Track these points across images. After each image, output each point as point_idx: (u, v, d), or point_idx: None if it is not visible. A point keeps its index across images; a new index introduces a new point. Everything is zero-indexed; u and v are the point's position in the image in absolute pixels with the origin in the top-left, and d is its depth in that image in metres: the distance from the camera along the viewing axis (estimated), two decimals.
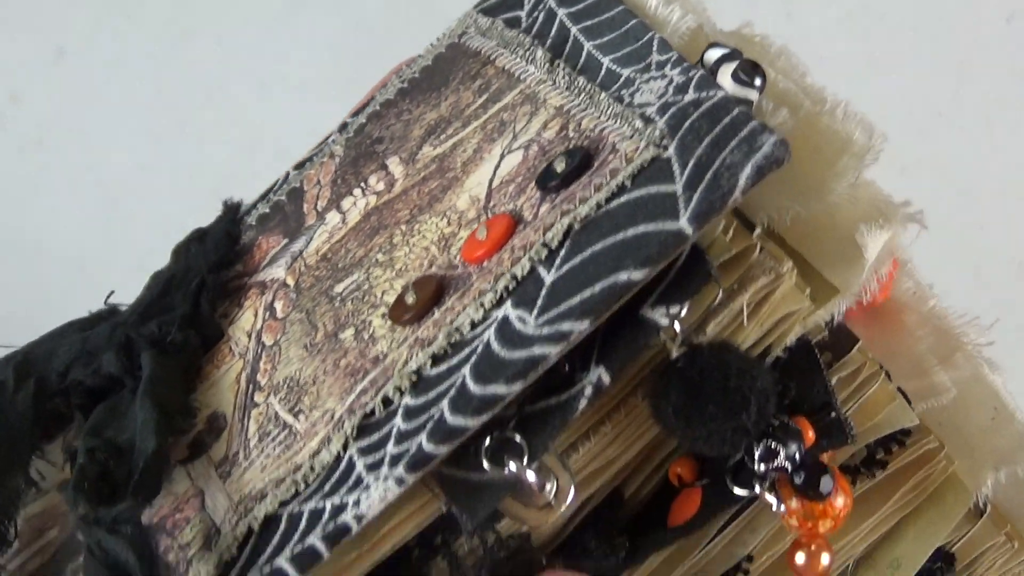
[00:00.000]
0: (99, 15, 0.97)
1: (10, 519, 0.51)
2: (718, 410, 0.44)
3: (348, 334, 0.51)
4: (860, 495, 0.52)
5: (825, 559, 0.48)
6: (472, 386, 0.43)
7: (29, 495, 0.54)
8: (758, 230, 0.47)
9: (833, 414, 0.47)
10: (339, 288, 0.54)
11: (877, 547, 0.54)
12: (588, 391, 0.44)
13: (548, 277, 0.45)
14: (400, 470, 0.43)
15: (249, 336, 0.56)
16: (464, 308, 0.47)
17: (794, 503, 0.47)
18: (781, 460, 0.45)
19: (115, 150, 0.99)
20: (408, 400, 0.45)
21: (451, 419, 0.43)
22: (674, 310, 0.44)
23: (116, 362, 0.54)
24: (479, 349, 0.45)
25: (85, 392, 0.54)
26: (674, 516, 0.49)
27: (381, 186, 0.58)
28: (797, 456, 0.46)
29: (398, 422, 0.45)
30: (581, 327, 0.43)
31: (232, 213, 0.63)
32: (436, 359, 0.46)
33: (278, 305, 0.56)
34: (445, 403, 0.44)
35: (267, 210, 0.64)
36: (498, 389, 0.43)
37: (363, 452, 0.45)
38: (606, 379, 0.44)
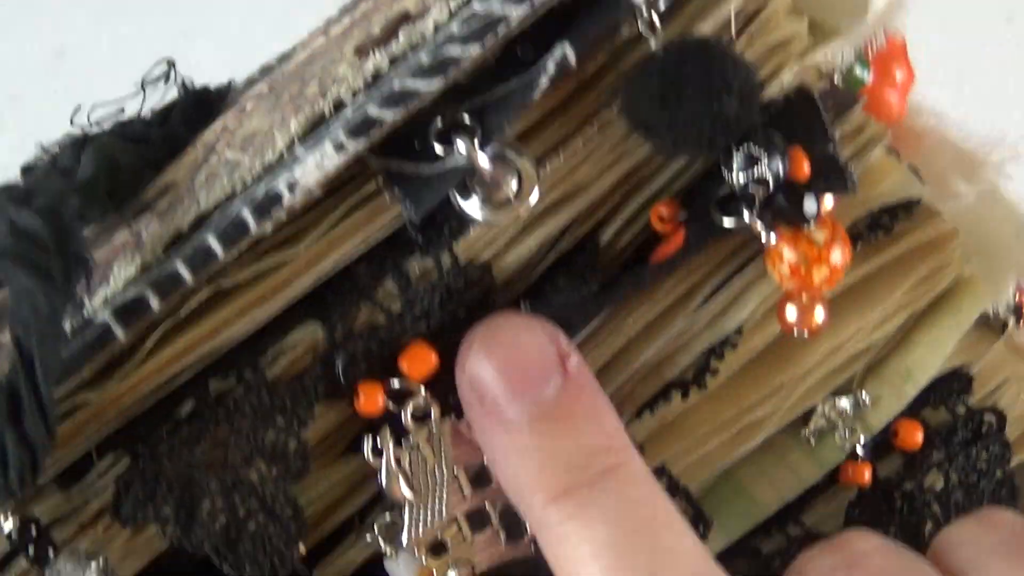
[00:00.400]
0: (99, 15, 0.97)
1: None
2: (697, 93, 0.40)
3: (313, 86, 0.48)
4: (864, 282, 0.47)
5: (819, 313, 0.43)
6: (425, 59, 0.40)
7: None
8: None
9: (832, 151, 0.43)
10: (312, 68, 0.51)
11: (886, 357, 0.48)
12: (550, 67, 0.40)
13: None
14: (339, 133, 0.39)
15: (215, 132, 0.53)
16: (428, 15, 0.44)
17: (788, 253, 0.43)
18: (763, 170, 0.41)
19: None
20: (361, 97, 0.42)
21: (400, 83, 0.40)
22: None
23: (71, 156, 0.51)
24: (440, 39, 0.41)
25: (32, 172, 0.51)
26: (655, 259, 0.44)
27: (370, 4, 0.56)
28: (780, 171, 0.41)
29: (346, 113, 0.41)
30: None
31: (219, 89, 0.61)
32: (395, 60, 0.43)
33: (248, 104, 0.53)
34: (395, 79, 0.40)
35: (256, 74, 0.62)
36: (451, 51, 0.40)
37: (307, 146, 0.41)
38: (571, 56, 0.41)
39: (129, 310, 0.39)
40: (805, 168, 0.42)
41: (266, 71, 0.61)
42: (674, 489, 0.46)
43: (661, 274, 0.44)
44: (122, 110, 0.54)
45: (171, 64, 0.55)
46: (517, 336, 0.41)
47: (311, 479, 0.44)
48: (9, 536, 0.40)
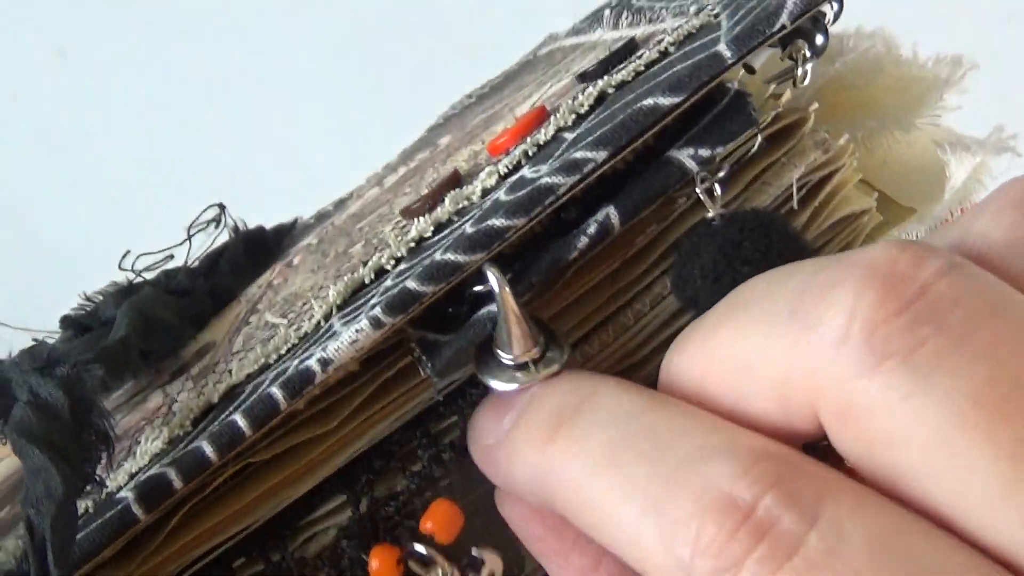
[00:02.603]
0: (99, 15, 0.97)
1: None
2: (754, 273, 0.39)
3: (358, 247, 0.48)
4: None
5: None
6: (469, 228, 0.40)
7: None
8: (815, 105, 0.43)
9: None
10: (360, 224, 0.51)
11: None
12: (591, 229, 0.40)
13: (571, 134, 0.42)
14: (376, 310, 0.39)
15: (260, 286, 0.53)
16: (477, 180, 0.43)
17: None
18: None
19: (115, 150, 0.98)
20: (403, 265, 0.41)
21: (441, 256, 0.39)
22: (704, 152, 0.40)
23: (114, 306, 0.52)
24: (486, 206, 0.41)
25: (74, 326, 0.51)
26: None
27: (426, 154, 0.56)
28: None
29: (387, 282, 0.41)
30: (596, 156, 0.39)
31: (280, 228, 0.62)
32: (440, 226, 0.43)
33: (296, 258, 0.53)
34: (438, 251, 0.40)
35: (311, 220, 0.62)
36: (495, 222, 0.39)
37: (345, 316, 0.41)
38: (615, 219, 0.40)
39: (152, 491, 0.39)
40: None
41: (322, 217, 0.61)
42: None
43: None
44: (171, 256, 0.54)
45: (222, 208, 0.55)
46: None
47: None
48: None
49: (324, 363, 0.39)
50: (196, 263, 0.54)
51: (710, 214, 0.41)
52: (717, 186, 0.41)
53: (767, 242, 0.40)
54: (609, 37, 0.51)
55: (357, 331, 0.39)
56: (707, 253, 0.40)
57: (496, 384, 0.40)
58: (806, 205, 0.42)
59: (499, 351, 0.40)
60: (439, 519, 0.41)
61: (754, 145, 0.41)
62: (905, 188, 0.45)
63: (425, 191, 0.46)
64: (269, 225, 0.60)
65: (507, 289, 0.39)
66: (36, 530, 0.37)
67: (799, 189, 0.42)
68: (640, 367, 0.43)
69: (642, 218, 0.41)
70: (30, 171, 1.00)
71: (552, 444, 0.36)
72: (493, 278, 0.39)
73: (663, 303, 0.42)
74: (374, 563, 0.41)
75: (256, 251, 0.57)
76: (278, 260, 0.57)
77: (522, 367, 0.40)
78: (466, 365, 0.41)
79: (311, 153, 0.91)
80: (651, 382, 0.38)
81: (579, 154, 0.39)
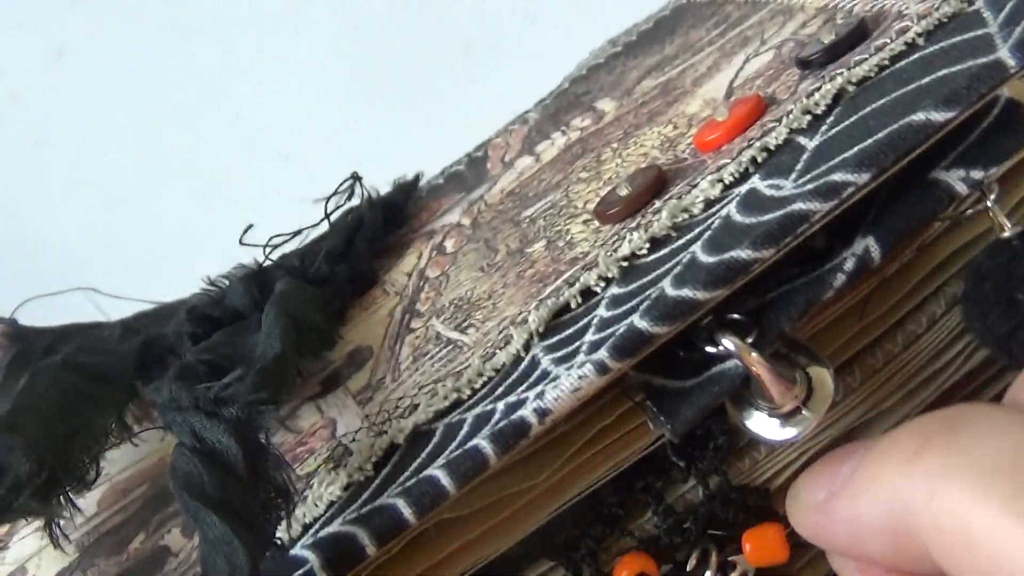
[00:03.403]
0: (99, 15, 0.94)
1: (93, 458, 0.42)
2: None
3: (538, 246, 0.42)
4: None
5: None
6: (703, 257, 0.34)
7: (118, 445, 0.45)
8: None
9: None
10: (528, 212, 0.45)
11: None
12: (849, 264, 0.35)
13: (811, 143, 0.36)
14: (603, 353, 0.34)
15: (409, 275, 0.47)
16: (695, 188, 0.38)
17: None
18: None
19: (115, 150, 0.95)
20: (615, 289, 0.36)
21: (673, 291, 0.34)
22: (976, 174, 0.35)
23: (244, 294, 0.46)
24: (715, 224, 0.36)
25: (202, 319, 0.45)
26: None
27: (587, 122, 0.50)
28: None
29: (600, 311, 0.36)
30: (858, 179, 0.34)
31: (406, 186, 0.56)
32: (655, 243, 0.37)
33: (448, 243, 0.48)
34: (667, 280, 0.34)
35: (440, 181, 0.56)
36: (739, 254, 0.34)
37: (551, 349, 0.36)
38: (875, 252, 0.35)
39: (342, 555, 0.34)
40: None
41: (456, 179, 0.55)
42: None
43: None
44: (299, 230, 0.49)
45: (356, 178, 0.49)
46: None
47: None
48: None
49: (541, 414, 0.34)
50: (329, 240, 0.49)
51: (1007, 232, 0.35)
52: (993, 206, 0.36)
53: None
54: (812, 3, 0.45)
55: (580, 377, 0.34)
56: (1016, 278, 0.35)
57: (772, 437, 0.35)
58: None
59: (757, 402, 0.35)
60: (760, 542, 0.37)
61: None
62: None
63: (623, 191, 0.40)
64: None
65: (752, 354, 0.34)
66: None
67: None
68: (890, 413, 0.38)
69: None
70: (30, 171, 0.97)
71: (921, 458, 0.30)
72: (733, 346, 0.34)
73: (918, 343, 0.37)
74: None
75: (391, 222, 0.52)
76: (415, 232, 0.51)
77: (792, 413, 0.35)
78: (703, 417, 0.36)
79: (313, 155, 0.87)
80: None
81: (838, 176, 0.34)
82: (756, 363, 0.34)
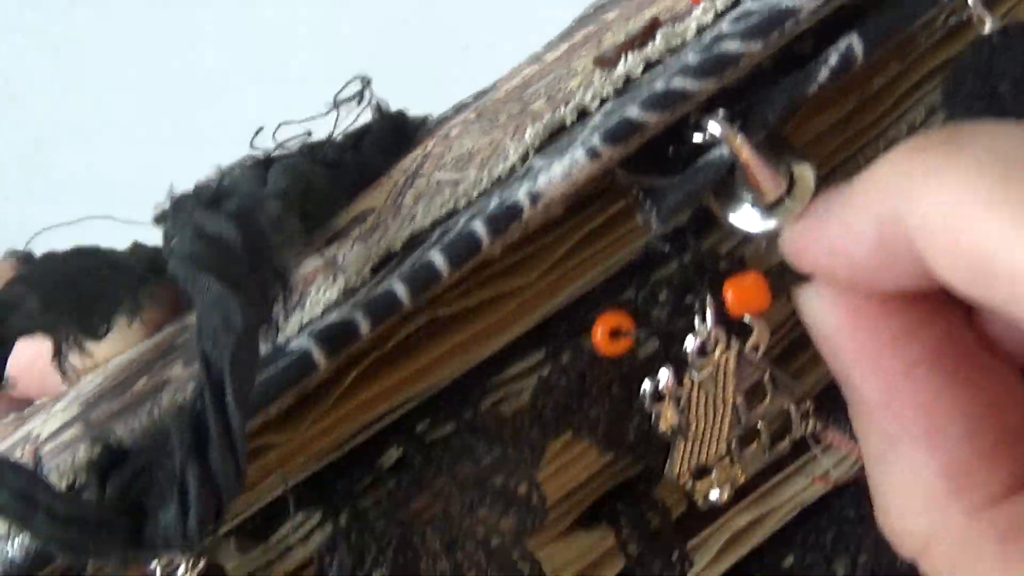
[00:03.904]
0: (97, 14, 0.96)
1: (104, 318, 0.43)
2: None
3: (539, 103, 0.43)
4: None
5: None
6: (693, 58, 0.35)
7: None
8: None
9: None
10: (531, 89, 0.47)
11: None
12: (832, 59, 0.36)
13: None
14: (594, 139, 0.35)
15: (414, 159, 0.48)
16: (689, 18, 0.39)
17: None
18: None
19: (115, 150, 0.96)
20: (610, 104, 0.37)
21: (665, 85, 0.35)
22: None
23: (252, 180, 0.47)
24: (705, 40, 0.37)
25: (211, 203, 0.46)
26: None
27: (591, 28, 0.52)
28: None
29: (595, 120, 0.37)
30: None
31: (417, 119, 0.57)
32: (649, 65, 0.38)
33: (454, 131, 0.49)
34: (659, 80, 0.35)
35: (449, 112, 0.58)
36: (728, 46, 0.35)
37: (548, 157, 0.37)
38: (858, 48, 0.36)
39: (336, 335, 0.34)
40: None
41: (460, 108, 0.57)
42: None
43: None
44: (309, 133, 0.50)
45: (366, 82, 0.51)
46: None
47: (549, 550, 0.39)
48: None
49: (534, 197, 0.35)
50: (340, 139, 0.50)
51: (987, 28, 0.36)
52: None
53: None
54: None
55: (572, 162, 0.34)
56: (997, 71, 0.36)
57: (751, 228, 0.36)
58: None
59: (741, 193, 0.36)
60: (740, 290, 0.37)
61: None
62: None
63: (620, 39, 0.41)
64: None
65: (738, 139, 0.35)
66: (213, 365, 0.33)
67: None
68: None
69: (883, 55, 0.37)
70: (29, 171, 0.99)
71: (916, 158, 0.30)
72: (721, 129, 0.35)
73: None
74: (598, 330, 0.37)
75: (400, 131, 0.53)
76: (427, 138, 0.53)
77: (775, 204, 0.35)
78: (690, 209, 0.37)
79: None
80: None
81: None
82: (742, 147, 0.35)
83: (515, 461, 0.37)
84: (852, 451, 0.40)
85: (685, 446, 0.39)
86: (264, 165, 0.48)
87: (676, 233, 0.38)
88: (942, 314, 0.34)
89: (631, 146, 0.35)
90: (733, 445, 0.39)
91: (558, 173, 0.35)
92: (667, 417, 0.38)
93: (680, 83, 0.35)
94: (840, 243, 0.33)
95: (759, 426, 0.39)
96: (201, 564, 0.36)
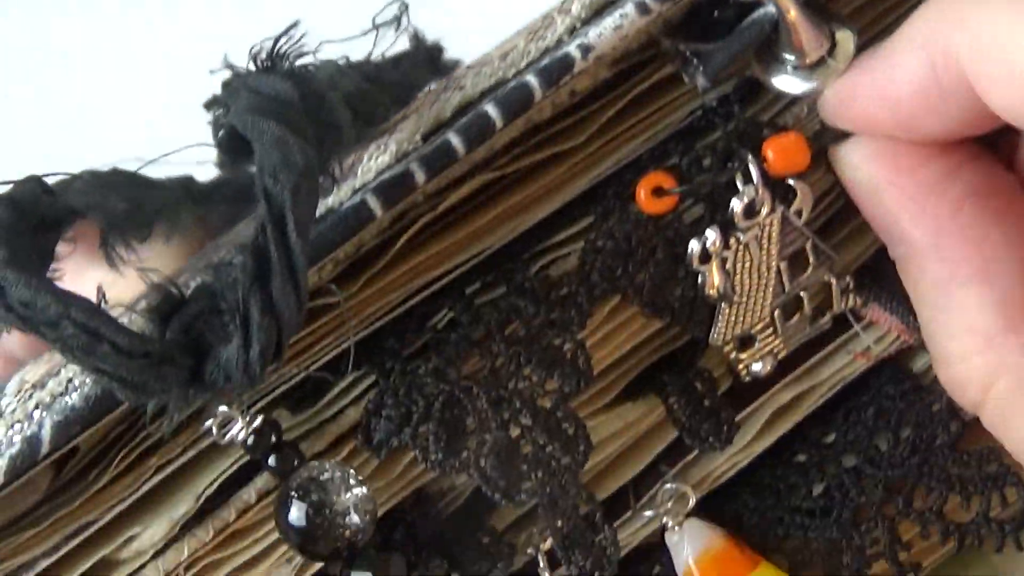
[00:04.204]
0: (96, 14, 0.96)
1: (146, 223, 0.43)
2: None
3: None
4: None
5: None
6: None
7: None
8: None
9: None
10: None
11: None
12: None
13: None
14: None
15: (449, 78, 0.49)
16: None
17: None
18: None
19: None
20: None
21: None
22: None
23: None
24: None
25: None
26: None
27: None
28: None
29: None
30: None
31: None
32: None
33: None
34: None
35: None
36: None
37: (592, 26, 0.37)
38: None
39: (392, 185, 0.35)
40: None
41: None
42: (1005, 477, 0.42)
43: None
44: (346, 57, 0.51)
45: (405, 5, 0.51)
46: None
47: (596, 420, 0.39)
48: (246, 443, 0.36)
49: (585, 49, 0.36)
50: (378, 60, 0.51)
51: None
52: None
53: None
54: None
55: (622, 15, 0.35)
56: None
57: (793, 89, 0.37)
58: None
59: (785, 54, 0.37)
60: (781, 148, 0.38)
61: None
62: None
63: None
64: None
65: None
66: (273, 200, 0.33)
67: None
68: None
69: None
70: None
71: None
72: None
73: None
74: (642, 190, 0.38)
75: (434, 63, 0.54)
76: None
77: (816, 65, 0.36)
78: (737, 72, 0.37)
79: None
80: None
81: None
82: (789, 4, 0.36)
83: (562, 323, 0.38)
84: (892, 327, 0.41)
85: (730, 311, 0.39)
86: (294, 76, 0.49)
87: (720, 101, 0.38)
88: (981, 159, 0.35)
89: (680, 2, 0.36)
90: (777, 315, 0.40)
91: (609, 26, 0.35)
92: (713, 279, 0.38)
93: None
94: (886, 88, 0.34)
95: (802, 296, 0.40)
96: (257, 422, 0.36)
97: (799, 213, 0.39)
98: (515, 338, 0.37)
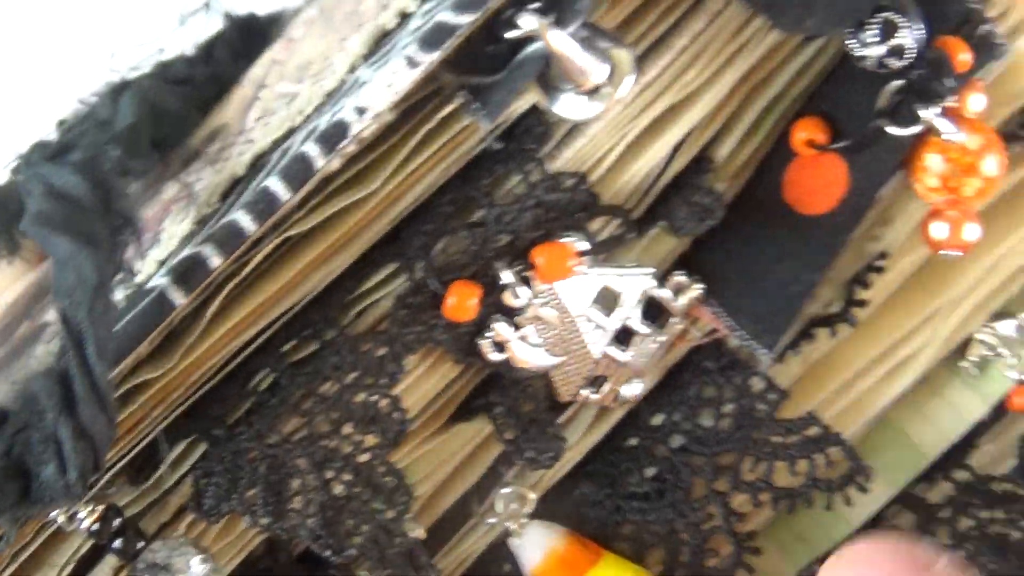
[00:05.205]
0: None
1: None
2: None
3: (369, 2, 0.44)
4: (1020, 187, 0.42)
5: (972, 230, 0.39)
6: None
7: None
8: None
9: (976, 27, 0.39)
10: None
11: None
12: None
13: None
14: (411, 48, 0.35)
15: (263, 66, 0.49)
16: None
17: (937, 164, 0.38)
18: (903, 36, 0.37)
19: None
20: (429, 4, 0.38)
21: None
22: None
23: (110, 104, 0.48)
24: None
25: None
26: (802, 195, 0.40)
27: None
28: (922, 38, 0.37)
29: (414, 22, 0.37)
30: None
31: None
32: None
33: (297, 31, 0.50)
34: None
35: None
36: None
37: (372, 65, 0.37)
38: None
39: (189, 271, 0.36)
40: (963, 57, 0.38)
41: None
42: (826, 439, 0.43)
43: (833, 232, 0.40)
44: (161, 50, 0.51)
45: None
46: None
47: (415, 457, 0.41)
48: (90, 531, 0.37)
49: (360, 111, 0.36)
50: (191, 53, 0.51)
51: None
52: None
53: None
54: None
55: (392, 73, 0.35)
56: None
57: (576, 115, 0.38)
58: None
59: (563, 83, 0.37)
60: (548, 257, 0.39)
61: None
62: None
63: None
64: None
65: (552, 32, 0.36)
66: (72, 322, 0.34)
67: None
68: (698, 96, 0.40)
69: None
70: None
71: None
72: (532, 25, 0.36)
73: (719, 18, 0.39)
74: (451, 297, 0.39)
75: (251, 35, 0.53)
76: (276, 42, 0.53)
77: (594, 91, 0.37)
78: (517, 102, 0.38)
79: None
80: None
81: None
82: (555, 39, 0.36)
83: (376, 379, 0.39)
84: (712, 322, 0.42)
85: (558, 373, 0.41)
86: (119, 91, 0.49)
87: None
88: None
89: (448, 49, 0.36)
90: (612, 350, 0.41)
91: (381, 84, 0.36)
92: (519, 360, 0.40)
93: None
94: None
95: (629, 325, 0.41)
96: (99, 509, 0.38)
97: None
98: (331, 397, 0.38)
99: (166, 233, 0.38)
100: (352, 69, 0.38)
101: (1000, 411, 0.44)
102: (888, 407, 0.44)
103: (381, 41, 0.39)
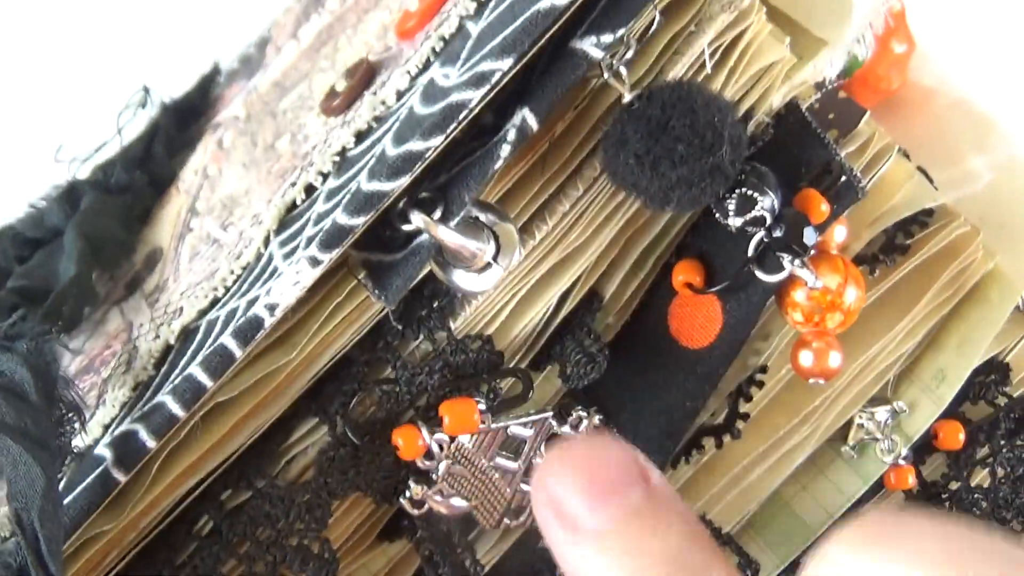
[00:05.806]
0: None
1: None
2: (688, 148, 0.39)
3: (284, 140, 0.48)
4: (889, 293, 0.47)
5: (834, 359, 0.43)
6: (390, 149, 0.40)
7: None
8: None
9: (837, 174, 0.42)
10: (283, 104, 0.51)
11: (919, 358, 0.49)
12: (511, 135, 0.40)
13: (476, 28, 0.41)
14: (313, 248, 0.39)
15: (196, 172, 0.53)
16: (389, 80, 0.43)
17: (802, 300, 0.42)
18: (760, 209, 0.41)
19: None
20: (332, 183, 0.42)
21: (367, 186, 0.39)
22: (606, 38, 0.40)
23: (59, 211, 0.52)
24: (402, 115, 0.41)
25: (25, 243, 0.51)
26: (684, 329, 0.44)
27: (336, 4, 0.55)
28: (775, 205, 0.41)
29: (318, 206, 0.41)
30: (502, 65, 0.39)
31: (204, 81, 0.61)
32: (360, 136, 0.43)
33: (227, 136, 0.53)
34: (363, 174, 0.40)
35: (236, 65, 0.61)
36: (414, 146, 0.39)
37: (283, 244, 0.42)
38: (532, 121, 0.40)
39: (128, 452, 0.40)
40: (823, 208, 0.42)
41: (245, 61, 0.60)
42: (715, 537, 0.47)
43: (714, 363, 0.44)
44: (98, 148, 0.54)
45: (146, 90, 0.54)
46: (596, 452, 0.38)
47: (359, 564, 0.46)
48: None
49: (271, 308, 0.40)
50: (130, 150, 0.54)
51: (627, 98, 0.41)
52: (623, 69, 0.41)
53: (692, 115, 0.40)
54: None
55: (297, 272, 0.39)
56: (636, 139, 0.40)
57: (473, 289, 0.42)
58: (721, 66, 0.42)
59: (456, 263, 0.41)
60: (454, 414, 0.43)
61: (653, 20, 0.41)
62: (815, 14, 0.44)
63: (340, 85, 0.45)
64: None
65: (438, 228, 0.40)
66: (26, 525, 0.39)
67: (712, 53, 0.42)
68: (582, 250, 0.43)
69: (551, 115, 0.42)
70: None
71: None
72: (421, 223, 0.40)
73: (596, 185, 0.43)
74: (399, 440, 0.43)
75: (187, 120, 0.57)
76: (208, 128, 0.57)
77: (485, 268, 0.41)
78: (414, 282, 0.42)
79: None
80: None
81: (485, 65, 0.39)
82: (442, 234, 0.40)
83: (306, 523, 0.44)
84: None
85: (478, 513, 0.45)
86: (67, 196, 0.53)
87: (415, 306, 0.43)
88: None
89: (346, 246, 0.40)
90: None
91: (288, 282, 0.40)
92: (440, 509, 0.44)
93: (378, 185, 0.39)
94: None
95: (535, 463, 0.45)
96: None
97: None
98: (267, 541, 0.43)
99: (110, 397, 0.43)
100: (266, 242, 0.42)
101: (878, 485, 0.49)
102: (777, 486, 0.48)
103: (291, 212, 0.43)
